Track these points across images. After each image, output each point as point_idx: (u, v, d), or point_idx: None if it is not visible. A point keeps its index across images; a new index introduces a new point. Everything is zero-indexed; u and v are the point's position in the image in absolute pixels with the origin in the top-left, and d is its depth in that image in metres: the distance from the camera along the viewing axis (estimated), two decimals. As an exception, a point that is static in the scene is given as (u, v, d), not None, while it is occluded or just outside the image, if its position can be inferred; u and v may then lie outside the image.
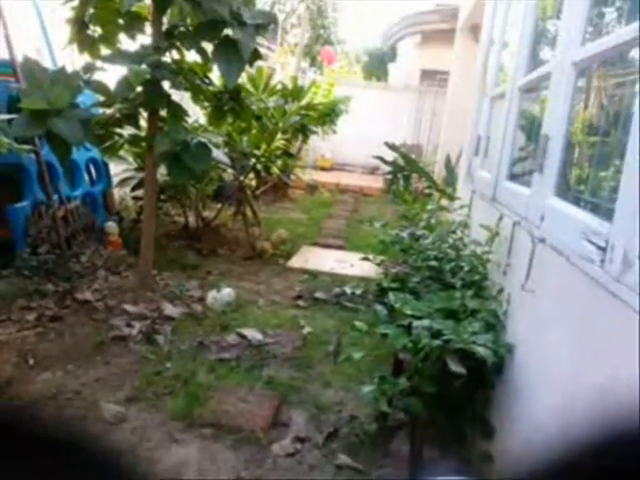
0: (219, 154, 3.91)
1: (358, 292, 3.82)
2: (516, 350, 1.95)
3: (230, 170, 4.91)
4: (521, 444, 1.73)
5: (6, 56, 3.57)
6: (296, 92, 5.74)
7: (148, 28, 3.39)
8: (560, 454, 0.23)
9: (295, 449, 2.10)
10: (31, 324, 2.95)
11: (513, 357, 1.96)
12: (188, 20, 3.40)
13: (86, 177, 4.49)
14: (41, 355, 2.66)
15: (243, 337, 3.00)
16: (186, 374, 2.57)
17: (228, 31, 3.10)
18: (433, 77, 10.42)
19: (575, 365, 1.46)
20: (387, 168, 4.69)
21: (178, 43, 3.43)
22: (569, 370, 1.49)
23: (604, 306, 1.35)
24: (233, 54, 3.07)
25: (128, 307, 3.25)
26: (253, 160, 5.15)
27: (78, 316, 3.13)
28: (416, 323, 2.00)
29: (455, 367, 1.86)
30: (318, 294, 3.81)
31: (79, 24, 3.42)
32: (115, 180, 4.83)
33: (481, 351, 1.84)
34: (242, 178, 5.10)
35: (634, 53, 1.89)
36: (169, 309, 3.28)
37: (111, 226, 4.32)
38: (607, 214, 1.51)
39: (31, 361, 2.60)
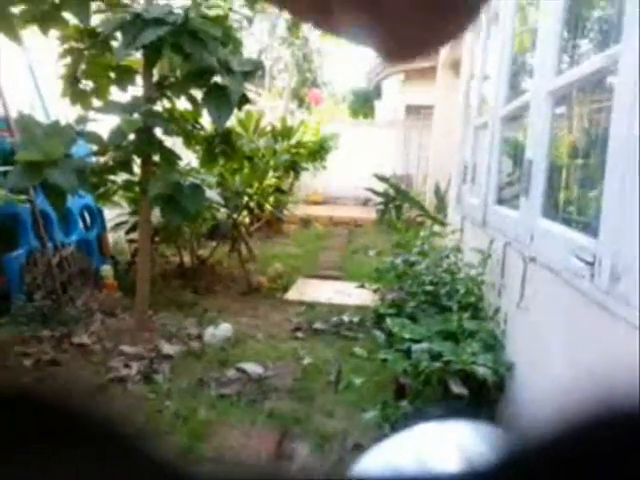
0: (212, 194, 3.98)
1: (356, 320, 3.82)
2: (516, 368, 1.97)
3: (223, 209, 4.98)
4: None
5: (0, 112, 3.66)
6: (286, 132, 5.90)
7: (139, 80, 3.50)
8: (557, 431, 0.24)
9: (300, 481, 2.07)
10: (28, 369, 2.93)
11: (513, 375, 1.97)
12: (178, 71, 3.53)
13: (80, 223, 4.53)
14: (39, 401, 2.62)
15: (243, 372, 2.98)
16: (187, 412, 2.54)
17: (217, 78, 3.23)
18: (418, 112, 10.72)
19: (572, 376, 1.48)
20: (379, 199, 4.79)
21: (169, 92, 3.55)
22: (566, 382, 1.50)
23: (596, 318, 1.38)
24: (222, 99, 3.18)
25: (125, 348, 3.23)
26: (246, 198, 5.23)
27: (76, 360, 3.10)
28: (415, 346, 2.02)
29: (457, 389, 1.87)
30: (316, 325, 3.80)
31: (71, 79, 3.53)
32: (109, 224, 4.87)
33: (481, 371, 1.86)
34: (236, 216, 5.16)
35: (612, 79, 2.00)
36: (167, 348, 3.26)
37: (106, 269, 4.33)
38: (594, 231, 1.56)
39: (29, 407, 2.56)
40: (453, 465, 0.48)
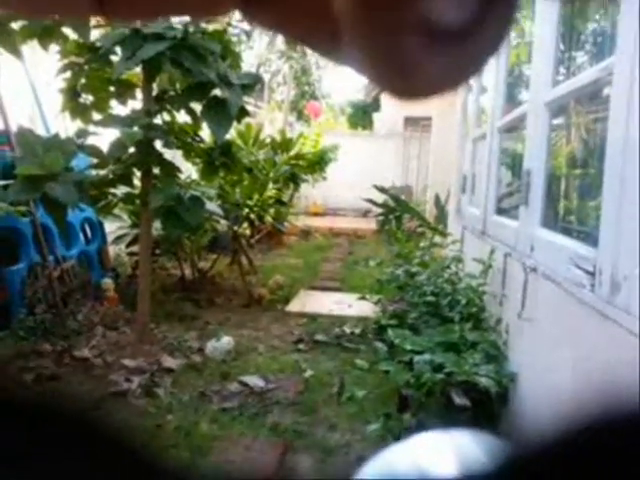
0: (212, 206, 3.99)
1: (357, 332, 3.80)
2: (519, 379, 1.96)
3: (224, 221, 4.99)
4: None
5: (0, 126, 3.69)
6: (285, 143, 5.94)
7: (139, 93, 3.53)
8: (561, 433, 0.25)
9: (303, 496, 2.05)
10: (29, 385, 2.91)
11: (517, 386, 1.96)
12: (177, 85, 3.56)
13: (81, 236, 4.53)
14: (40, 416, 2.61)
15: (245, 385, 2.97)
16: (188, 425, 2.53)
17: (216, 92, 3.26)
18: (417, 123, 10.78)
19: (576, 387, 1.48)
20: (379, 210, 4.81)
21: (168, 106, 3.57)
22: (571, 392, 1.50)
23: (598, 328, 1.38)
24: (221, 112, 3.21)
25: (127, 362, 3.22)
26: (246, 210, 5.24)
27: (77, 374, 3.09)
28: (417, 358, 2.02)
29: (459, 400, 1.86)
30: (318, 337, 3.79)
31: (71, 93, 3.55)
32: (110, 237, 4.88)
33: (484, 381, 1.86)
34: (236, 228, 5.17)
35: (608, 90, 2.03)
36: (168, 361, 3.25)
37: (107, 282, 4.33)
38: (594, 241, 1.57)
39: (30, 422, 2.55)
40: (451, 472, 0.48)
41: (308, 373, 3.17)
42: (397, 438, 1.90)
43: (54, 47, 3.38)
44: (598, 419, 0.24)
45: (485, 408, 1.94)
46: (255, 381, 3.00)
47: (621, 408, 0.24)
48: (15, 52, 3.28)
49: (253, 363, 3.34)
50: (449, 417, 1.87)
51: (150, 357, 3.31)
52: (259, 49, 13.38)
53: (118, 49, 3.14)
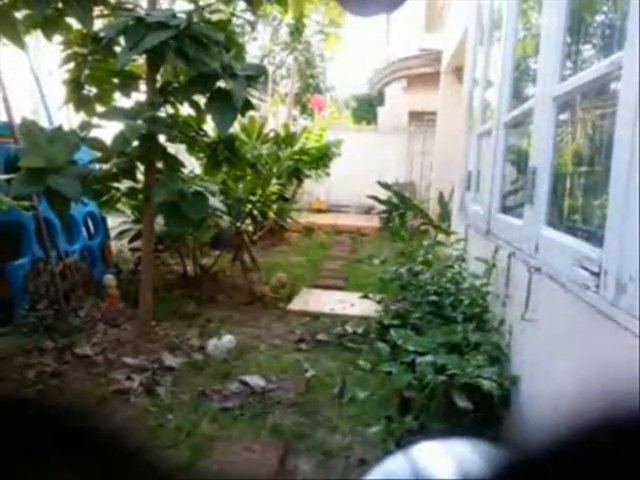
0: (215, 202, 3.96)
1: (360, 331, 3.78)
2: (521, 381, 1.94)
3: (227, 217, 4.97)
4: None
5: (4, 118, 3.67)
6: (288, 138, 5.90)
7: (142, 85, 3.51)
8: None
9: (303, 498, 2.04)
10: (31, 381, 2.91)
11: (519, 389, 1.94)
12: (181, 77, 3.53)
13: (84, 231, 4.52)
14: (41, 413, 2.60)
15: (246, 384, 2.95)
16: (189, 425, 2.51)
17: (220, 84, 3.22)
18: (421, 118, 10.71)
19: (579, 390, 1.45)
20: (382, 207, 4.77)
21: (172, 98, 3.55)
22: (574, 396, 1.47)
23: (602, 330, 1.35)
24: (225, 105, 3.17)
25: (128, 360, 3.21)
26: (249, 206, 5.21)
27: (78, 371, 3.08)
28: (419, 359, 1.99)
29: (462, 403, 1.84)
30: (320, 336, 3.77)
31: (75, 85, 3.54)
32: (113, 233, 4.87)
33: (487, 385, 1.83)
34: (239, 224, 5.15)
35: (615, 85, 1.98)
36: (169, 359, 3.24)
37: (109, 279, 4.32)
38: (599, 241, 1.54)
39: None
40: (450, 477, 0.47)
41: (310, 373, 3.14)
42: (398, 441, 1.87)
43: (57, 37, 3.36)
44: (597, 428, 0.22)
45: (487, 411, 1.92)
46: (256, 381, 2.98)
47: (621, 416, 0.22)
48: (19, 43, 3.26)
49: (254, 362, 3.32)
50: (451, 420, 1.84)
51: (151, 355, 3.30)
52: (263, 40, 13.28)
53: (122, 40, 3.10)
